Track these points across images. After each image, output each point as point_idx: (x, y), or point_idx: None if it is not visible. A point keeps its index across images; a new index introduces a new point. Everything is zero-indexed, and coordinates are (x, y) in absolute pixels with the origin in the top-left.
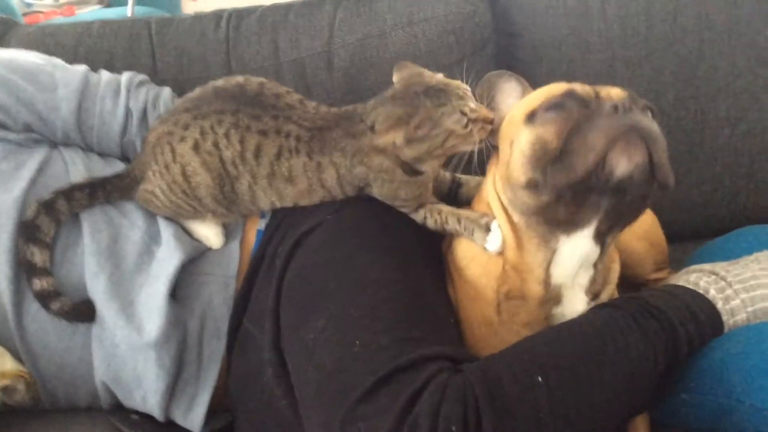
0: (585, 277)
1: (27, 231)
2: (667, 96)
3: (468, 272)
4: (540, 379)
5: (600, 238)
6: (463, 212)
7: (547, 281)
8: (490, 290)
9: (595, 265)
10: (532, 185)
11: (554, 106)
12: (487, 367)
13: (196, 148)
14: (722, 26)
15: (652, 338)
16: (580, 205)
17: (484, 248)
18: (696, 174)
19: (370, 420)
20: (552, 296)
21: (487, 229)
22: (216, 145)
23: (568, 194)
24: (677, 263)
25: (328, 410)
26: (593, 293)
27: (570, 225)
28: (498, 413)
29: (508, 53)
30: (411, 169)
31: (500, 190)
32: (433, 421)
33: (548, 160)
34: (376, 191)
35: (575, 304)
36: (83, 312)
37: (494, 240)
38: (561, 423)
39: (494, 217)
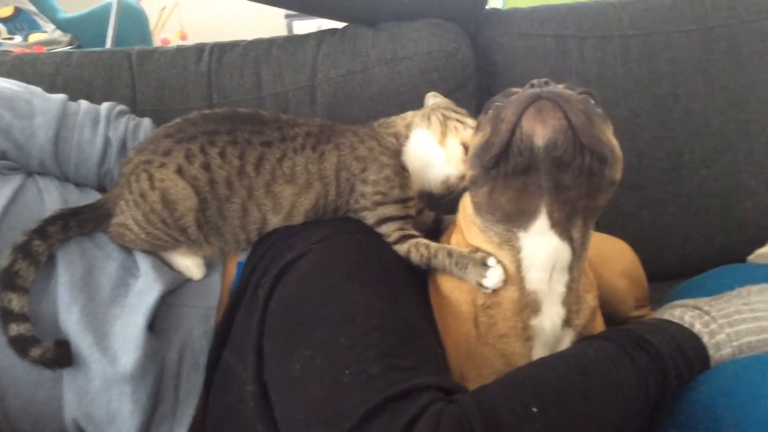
0: (561, 284)
1: (5, 279)
2: (644, 137)
3: (444, 287)
4: (535, 409)
5: (562, 231)
6: (455, 248)
7: (521, 285)
8: (465, 303)
9: (570, 270)
10: (474, 181)
11: (490, 107)
12: (482, 397)
13: (179, 172)
14: (696, 70)
15: (643, 370)
16: (520, 190)
17: (480, 285)
18: (672, 214)
19: None
20: (529, 303)
21: (483, 265)
22: (206, 166)
23: (501, 178)
24: (655, 303)
25: None
26: (569, 308)
27: (520, 215)
28: None
29: (489, 91)
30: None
31: (467, 204)
32: None
33: (483, 152)
34: (371, 181)
35: (552, 316)
36: (63, 357)
37: (493, 276)
38: None
39: (490, 254)
